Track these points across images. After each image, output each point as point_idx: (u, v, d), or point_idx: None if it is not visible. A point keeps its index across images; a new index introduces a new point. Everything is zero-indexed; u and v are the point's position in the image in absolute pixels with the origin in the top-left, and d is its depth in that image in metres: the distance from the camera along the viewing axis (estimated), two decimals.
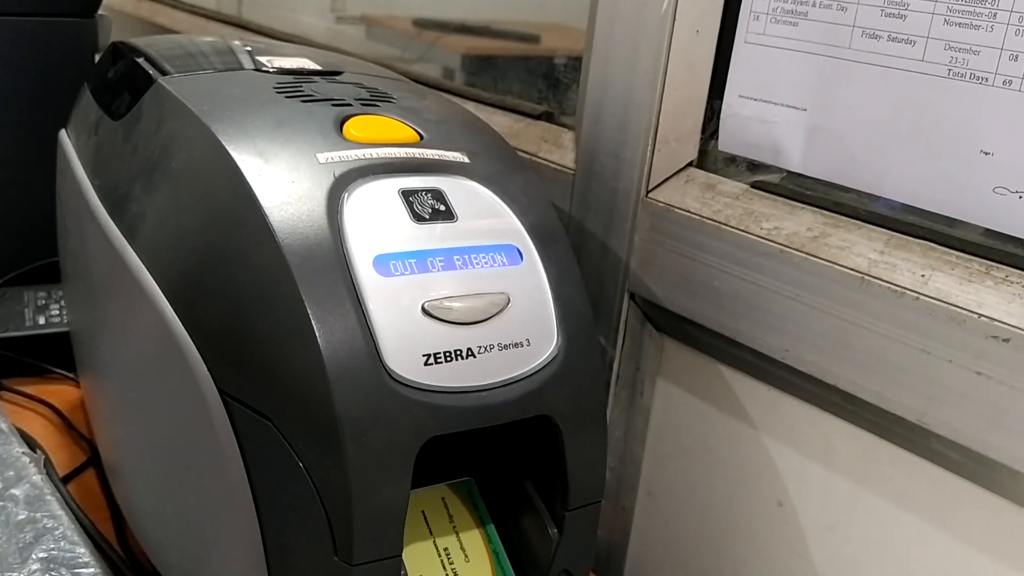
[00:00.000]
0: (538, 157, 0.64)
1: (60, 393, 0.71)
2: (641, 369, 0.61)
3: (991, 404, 0.42)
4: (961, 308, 0.42)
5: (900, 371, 0.45)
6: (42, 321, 0.75)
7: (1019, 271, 0.43)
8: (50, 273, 0.77)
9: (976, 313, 0.42)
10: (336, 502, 0.38)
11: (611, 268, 0.59)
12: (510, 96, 0.74)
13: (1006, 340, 0.41)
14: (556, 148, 0.64)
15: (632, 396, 0.61)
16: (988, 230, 0.44)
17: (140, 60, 0.54)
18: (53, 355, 0.73)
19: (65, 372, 0.72)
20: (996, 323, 0.41)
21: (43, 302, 0.77)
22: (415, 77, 0.77)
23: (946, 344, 0.43)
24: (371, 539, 0.38)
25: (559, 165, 0.63)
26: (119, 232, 0.46)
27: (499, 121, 0.69)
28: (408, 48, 0.99)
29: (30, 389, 0.71)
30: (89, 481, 0.62)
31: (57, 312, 0.76)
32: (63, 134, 0.62)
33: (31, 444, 0.62)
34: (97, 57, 0.78)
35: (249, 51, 0.55)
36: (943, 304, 0.43)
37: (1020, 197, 0.42)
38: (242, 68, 0.53)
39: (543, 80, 0.73)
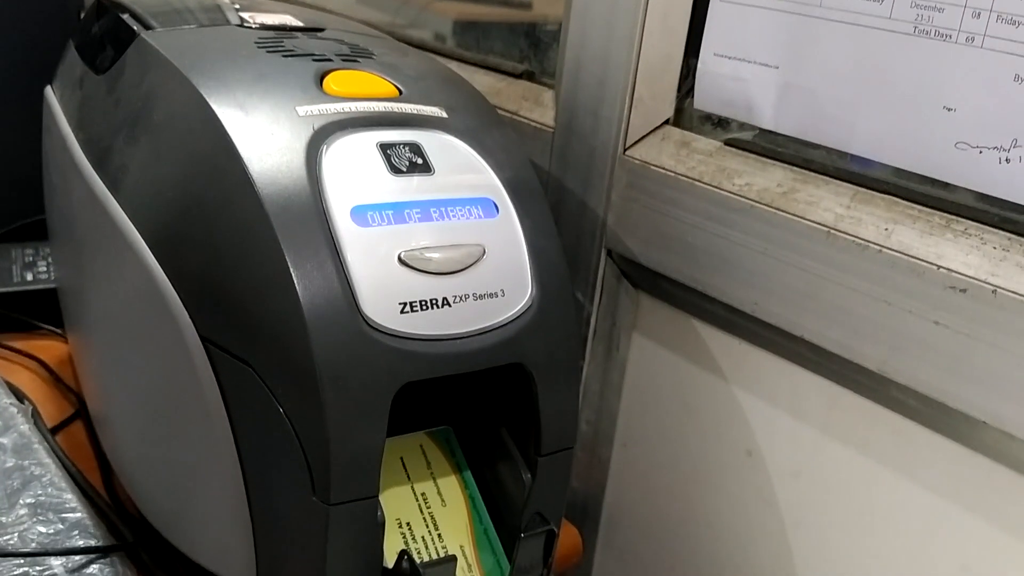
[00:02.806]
0: (519, 115, 0.65)
1: (48, 349, 0.71)
2: (617, 324, 0.62)
3: (949, 353, 0.43)
4: (921, 260, 0.44)
5: (863, 322, 0.46)
6: (30, 278, 0.75)
7: (978, 224, 0.44)
8: (37, 230, 0.77)
9: (935, 265, 0.43)
10: (314, 444, 0.39)
11: (588, 225, 0.60)
12: (492, 56, 0.75)
13: (963, 291, 0.42)
14: (536, 106, 0.65)
15: (608, 350, 0.63)
16: (951, 184, 0.45)
17: (124, 15, 0.54)
18: (41, 311, 0.74)
19: (53, 328, 0.73)
20: (954, 274, 0.43)
21: (31, 259, 0.78)
22: (404, 41, 0.77)
23: (907, 295, 0.44)
24: (348, 480, 0.40)
25: (539, 123, 0.63)
26: (103, 184, 0.47)
27: (481, 80, 0.70)
28: (400, 13, 0.99)
29: (18, 344, 0.72)
30: (77, 434, 0.63)
31: (44, 269, 0.77)
32: (48, 90, 0.62)
33: (19, 396, 0.63)
34: (82, 13, 0.78)
35: (236, 8, 0.56)
36: (904, 256, 0.44)
37: (980, 152, 0.43)
38: (226, 23, 0.53)
39: (525, 40, 0.73)
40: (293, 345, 0.39)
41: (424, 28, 0.92)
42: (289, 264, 0.39)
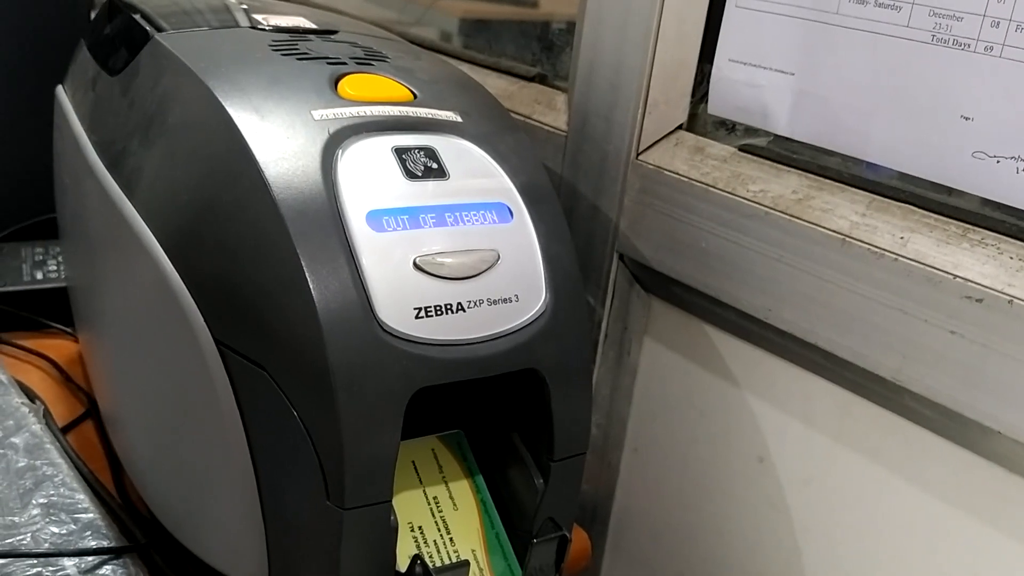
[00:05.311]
0: (531, 119, 0.65)
1: (58, 347, 0.72)
2: (628, 328, 0.62)
3: (964, 363, 0.43)
4: (937, 269, 0.44)
5: (877, 330, 0.46)
6: (39, 276, 0.76)
7: (995, 234, 0.44)
8: (47, 229, 0.78)
9: (952, 274, 0.43)
10: (329, 449, 0.39)
11: (601, 229, 0.60)
12: (505, 59, 0.75)
13: (979, 300, 0.42)
14: (549, 110, 0.65)
15: (619, 355, 0.63)
16: (967, 194, 0.45)
17: (136, 16, 0.54)
18: (50, 310, 0.74)
19: (62, 327, 0.73)
20: (971, 284, 0.43)
21: (40, 258, 0.78)
22: (412, 40, 0.77)
23: (922, 304, 0.44)
24: (362, 484, 0.40)
25: (552, 127, 0.63)
26: (117, 186, 0.47)
27: (493, 83, 0.70)
28: (405, 11, 0.99)
29: (28, 343, 0.72)
30: (87, 432, 0.63)
31: (54, 268, 0.77)
32: (60, 90, 0.62)
33: (30, 396, 0.63)
34: (93, 13, 0.78)
35: (245, 9, 0.56)
36: (920, 265, 0.44)
37: (998, 161, 0.43)
38: (238, 26, 0.53)
39: (538, 43, 0.73)
40: (308, 350, 0.39)
41: (430, 26, 0.92)
42: (304, 268, 0.39)
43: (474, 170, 0.45)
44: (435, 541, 0.45)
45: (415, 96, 0.47)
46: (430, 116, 0.46)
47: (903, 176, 0.48)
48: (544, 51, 0.72)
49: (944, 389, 0.44)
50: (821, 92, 0.50)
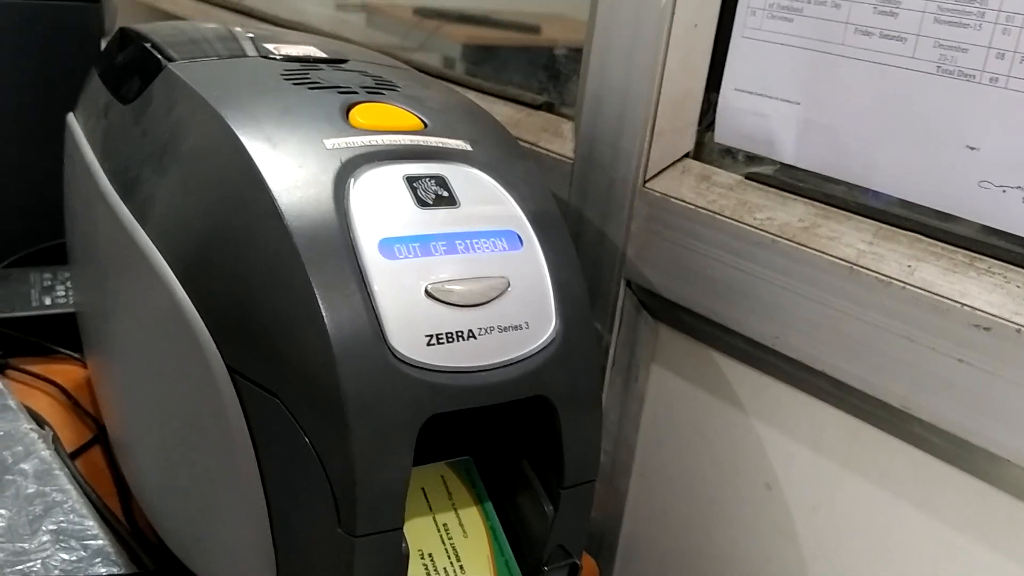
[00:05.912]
0: (538, 146, 0.65)
1: (66, 373, 0.72)
2: (636, 355, 0.62)
3: (971, 390, 0.43)
4: (945, 298, 0.44)
5: (885, 358, 0.46)
6: (48, 302, 0.76)
7: (1001, 263, 0.44)
8: (55, 255, 0.78)
9: (959, 303, 0.43)
10: (340, 476, 0.39)
11: (608, 256, 0.61)
12: (511, 87, 0.76)
13: (987, 329, 0.43)
14: (556, 138, 0.65)
15: (627, 381, 0.63)
16: (973, 223, 0.45)
17: (148, 46, 0.55)
18: (59, 336, 0.74)
19: (71, 352, 0.74)
20: (978, 312, 0.43)
21: (49, 283, 0.78)
22: (416, 66, 0.78)
23: (930, 332, 0.45)
24: (374, 512, 0.40)
25: (559, 155, 0.64)
26: (129, 213, 0.48)
27: (500, 111, 0.71)
28: (408, 37, 1.00)
29: (36, 369, 0.72)
30: (95, 458, 0.63)
31: (63, 293, 0.77)
32: (71, 117, 0.63)
33: (39, 421, 0.63)
34: (103, 42, 0.79)
35: (252, 38, 0.56)
36: (928, 293, 0.45)
37: (1004, 191, 0.43)
38: (245, 55, 0.54)
39: (544, 71, 0.74)
40: (321, 377, 0.39)
41: (433, 52, 0.93)
42: (317, 296, 0.39)
43: (484, 198, 0.46)
44: (445, 568, 0.45)
45: (425, 125, 0.48)
46: (440, 145, 0.47)
47: (908, 204, 0.48)
48: (550, 79, 0.73)
49: (952, 417, 0.44)
50: (827, 121, 0.50)
